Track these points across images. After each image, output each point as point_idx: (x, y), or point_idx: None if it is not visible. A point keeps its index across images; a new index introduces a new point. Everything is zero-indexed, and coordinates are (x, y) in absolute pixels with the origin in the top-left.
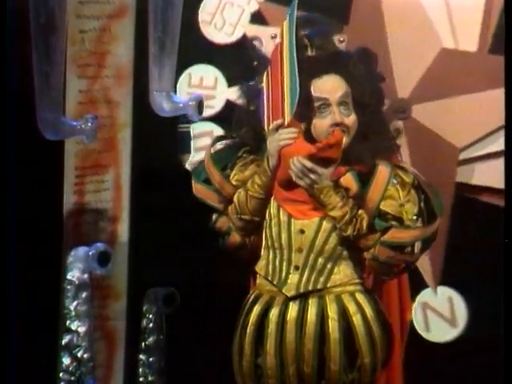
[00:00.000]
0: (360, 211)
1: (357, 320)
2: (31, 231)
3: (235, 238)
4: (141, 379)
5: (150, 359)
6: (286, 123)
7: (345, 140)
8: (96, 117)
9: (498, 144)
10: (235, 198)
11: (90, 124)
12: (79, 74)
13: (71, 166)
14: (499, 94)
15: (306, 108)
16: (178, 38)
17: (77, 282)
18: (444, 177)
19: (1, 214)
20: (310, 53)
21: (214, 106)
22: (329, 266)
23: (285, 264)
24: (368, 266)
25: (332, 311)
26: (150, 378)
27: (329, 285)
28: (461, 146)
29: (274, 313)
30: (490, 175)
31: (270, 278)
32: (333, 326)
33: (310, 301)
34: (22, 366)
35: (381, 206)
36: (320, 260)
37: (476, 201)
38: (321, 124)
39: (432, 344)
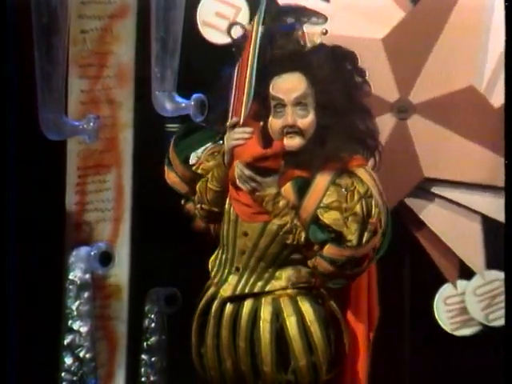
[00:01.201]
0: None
1: (290, 323)
2: (33, 231)
3: (199, 223)
4: (143, 379)
5: (152, 359)
6: (240, 122)
7: (298, 142)
8: (98, 117)
9: None
10: (197, 187)
11: (91, 124)
12: (81, 74)
13: (73, 165)
14: (494, 158)
15: (264, 107)
16: (181, 37)
17: (78, 282)
18: None
19: (2, 214)
20: (274, 50)
21: None
22: (270, 270)
23: (228, 263)
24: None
25: (265, 313)
26: (151, 378)
27: (267, 289)
28: (428, 176)
29: (214, 307)
30: None
31: (213, 275)
32: (264, 327)
33: (245, 302)
34: (24, 366)
35: (324, 218)
36: (261, 264)
37: None
38: (275, 124)
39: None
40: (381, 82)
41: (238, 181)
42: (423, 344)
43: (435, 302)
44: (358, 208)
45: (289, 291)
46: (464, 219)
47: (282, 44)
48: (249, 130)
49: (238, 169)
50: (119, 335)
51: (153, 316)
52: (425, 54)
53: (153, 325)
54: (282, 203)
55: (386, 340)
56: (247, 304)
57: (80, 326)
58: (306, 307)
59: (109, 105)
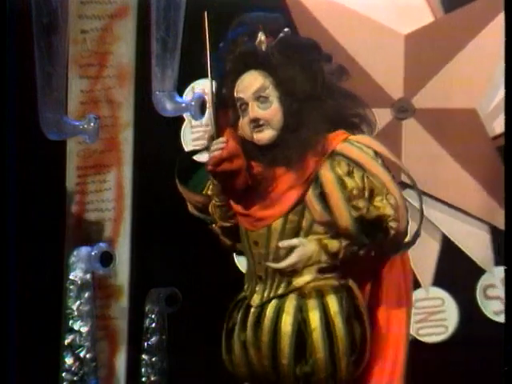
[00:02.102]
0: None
1: (313, 315)
2: (33, 231)
3: (224, 241)
4: (143, 379)
5: (153, 359)
6: (214, 135)
7: (268, 134)
8: (98, 117)
9: None
10: (209, 208)
11: (92, 124)
12: (81, 74)
13: (73, 165)
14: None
15: (234, 112)
16: (181, 37)
17: (79, 282)
18: None
19: (3, 214)
20: (228, 57)
21: None
22: (289, 269)
23: (253, 274)
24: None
25: (289, 307)
26: (152, 378)
27: (291, 288)
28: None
29: (242, 307)
30: None
31: (245, 288)
32: (286, 319)
33: (271, 300)
34: (25, 366)
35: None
36: None
37: None
38: (243, 123)
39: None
40: (390, 75)
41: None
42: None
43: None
44: (360, 186)
45: (314, 283)
46: (426, 234)
47: (232, 50)
48: (222, 139)
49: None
50: (120, 335)
51: (153, 316)
52: (441, 63)
53: (153, 325)
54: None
55: None
56: (272, 303)
57: (80, 326)
58: (332, 299)
59: (109, 105)
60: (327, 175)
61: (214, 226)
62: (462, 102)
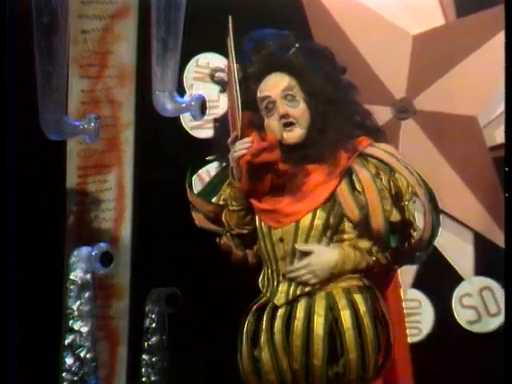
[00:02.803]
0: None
1: (344, 315)
2: (33, 231)
3: (236, 254)
4: (143, 379)
5: (153, 359)
6: (238, 135)
7: (298, 133)
8: (98, 117)
9: None
10: (223, 218)
11: (92, 124)
12: (82, 74)
13: (74, 165)
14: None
15: (257, 114)
16: (181, 37)
17: (79, 282)
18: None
19: (3, 214)
20: (251, 59)
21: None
22: (296, 273)
23: (275, 274)
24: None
25: (319, 307)
26: (152, 378)
27: (318, 285)
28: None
29: (266, 313)
30: None
31: (264, 291)
32: (318, 321)
33: (299, 302)
34: (25, 366)
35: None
36: None
37: None
38: (271, 122)
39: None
40: (394, 74)
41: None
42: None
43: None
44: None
45: (341, 283)
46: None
47: (254, 52)
48: (247, 139)
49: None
50: (120, 335)
51: (153, 316)
52: (447, 67)
53: (153, 325)
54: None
55: None
56: (301, 303)
57: (81, 326)
58: (360, 299)
59: (109, 105)
60: (363, 172)
61: (225, 238)
62: (464, 109)
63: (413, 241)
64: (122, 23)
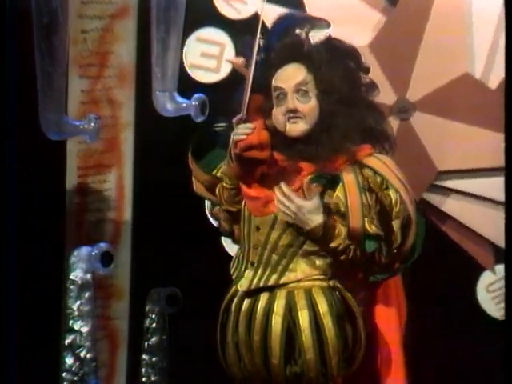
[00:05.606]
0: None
1: (303, 316)
2: (33, 231)
3: (224, 226)
4: (143, 379)
5: (153, 359)
6: (243, 117)
7: (301, 127)
8: (98, 117)
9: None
10: (216, 190)
11: (92, 124)
12: (81, 74)
13: (73, 165)
14: (499, 137)
15: (268, 100)
16: (181, 37)
17: (80, 282)
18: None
19: (3, 214)
20: (275, 45)
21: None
22: (283, 262)
23: (244, 259)
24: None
25: (279, 306)
26: (152, 378)
27: (281, 281)
28: (442, 169)
29: (234, 304)
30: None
31: (232, 271)
32: (276, 320)
33: (261, 296)
34: (25, 366)
35: (369, 226)
36: (274, 257)
37: None
38: (278, 112)
39: None
40: (398, 73)
41: (276, 203)
42: (470, 334)
43: (478, 291)
44: (379, 204)
45: (304, 283)
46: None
47: (282, 37)
48: (250, 125)
49: (278, 191)
50: (120, 335)
51: (154, 316)
52: (414, 52)
53: (154, 325)
54: (337, 231)
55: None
56: (262, 298)
57: (81, 326)
58: (321, 300)
59: (109, 105)
60: (349, 177)
61: (217, 209)
62: (452, 73)
63: (391, 253)
64: (122, 23)
